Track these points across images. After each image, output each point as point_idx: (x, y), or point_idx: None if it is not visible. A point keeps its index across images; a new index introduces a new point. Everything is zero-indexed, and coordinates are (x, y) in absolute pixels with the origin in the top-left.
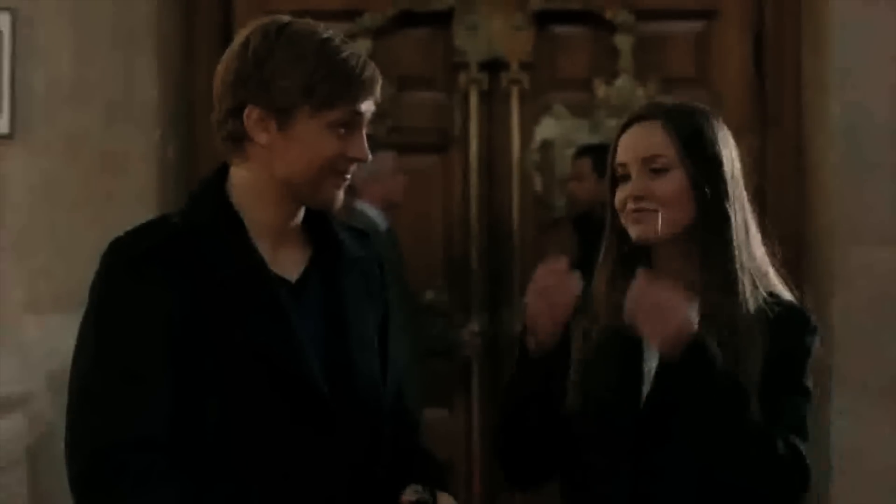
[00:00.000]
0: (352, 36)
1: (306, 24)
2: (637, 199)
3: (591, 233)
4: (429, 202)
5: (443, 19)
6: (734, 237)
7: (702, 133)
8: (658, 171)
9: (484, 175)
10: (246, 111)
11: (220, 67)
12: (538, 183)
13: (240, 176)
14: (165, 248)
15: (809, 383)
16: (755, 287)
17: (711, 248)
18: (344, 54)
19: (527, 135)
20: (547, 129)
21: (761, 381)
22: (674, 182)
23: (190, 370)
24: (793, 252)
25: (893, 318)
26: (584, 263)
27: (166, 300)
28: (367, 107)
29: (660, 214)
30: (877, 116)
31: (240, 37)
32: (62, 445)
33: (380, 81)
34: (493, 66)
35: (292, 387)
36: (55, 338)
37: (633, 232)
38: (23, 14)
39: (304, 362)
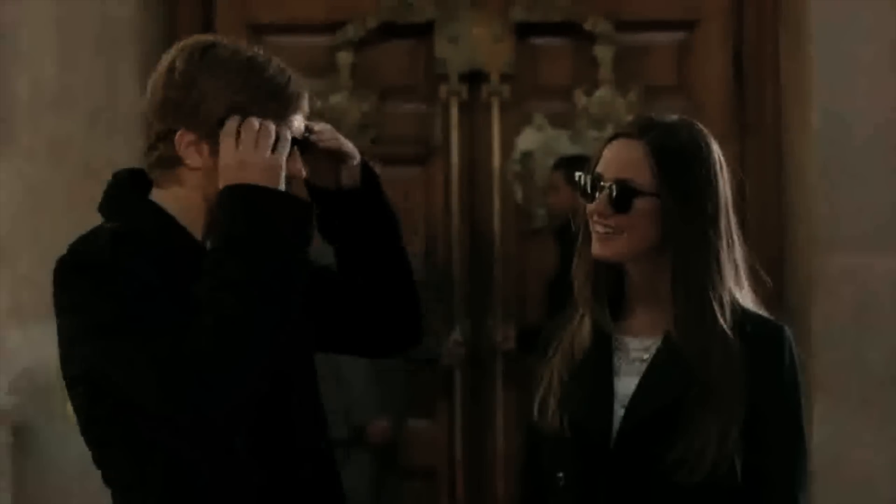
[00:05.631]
0: (334, 47)
1: (230, 45)
2: (602, 216)
3: (570, 244)
4: (411, 212)
5: (424, 31)
6: (710, 263)
7: (688, 159)
8: (630, 194)
9: (465, 185)
10: (177, 136)
11: (148, 92)
12: (519, 193)
13: (168, 198)
14: (126, 248)
15: (803, 411)
16: (732, 306)
17: (684, 273)
18: (269, 72)
19: (507, 145)
20: (527, 139)
21: (750, 416)
22: (642, 208)
23: None
24: (773, 260)
25: (874, 326)
26: (565, 274)
27: (148, 277)
28: (297, 123)
29: (623, 237)
30: (856, 124)
31: (164, 60)
32: (46, 454)
33: (307, 95)
34: (474, 78)
35: None
36: (39, 347)
37: (594, 248)
38: (6, 20)
39: None
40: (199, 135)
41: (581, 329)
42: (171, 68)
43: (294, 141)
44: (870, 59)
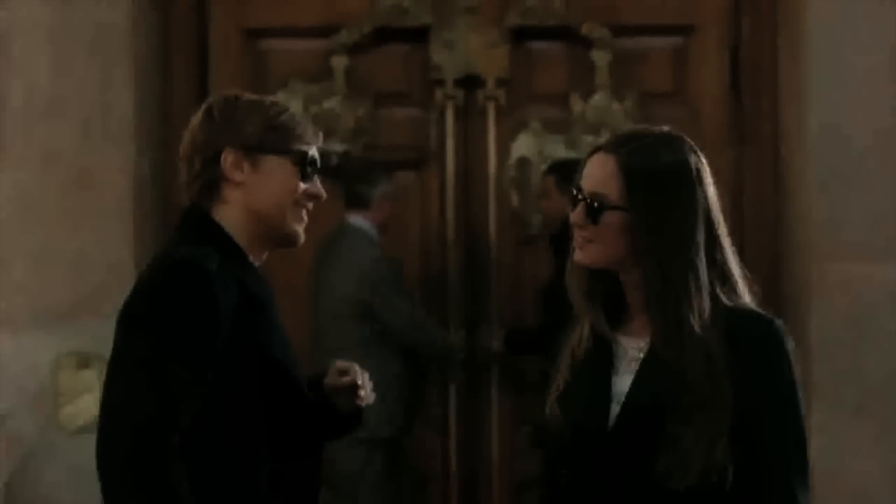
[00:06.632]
0: (328, 52)
1: (252, 96)
2: (577, 226)
3: (565, 250)
4: (406, 218)
5: (419, 36)
6: (683, 273)
7: (657, 175)
8: (600, 207)
9: (461, 191)
10: (223, 155)
11: (189, 136)
12: (515, 199)
13: (220, 217)
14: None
15: (800, 404)
16: (715, 310)
17: (655, 284)
18: (291, 111)
19: (503, 151)
20: (523, 145)
21: (743, 417)
22: (608, 221)
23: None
24: (770, 268)
25: (871, 335)
26: (559, 280)
27: (225, 312)
28: (315, 152)
29: (595, 246)
30: (853, 132)
31: (197, 115)
32: (40, 465)
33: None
34: (470, 83)
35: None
36: (31, 355)
37: (574, 255)
38: None
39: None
40: (241, 153)
41: (584, 332)
42: (208, 111)
43: (315, 167)
44: (868, 66)
